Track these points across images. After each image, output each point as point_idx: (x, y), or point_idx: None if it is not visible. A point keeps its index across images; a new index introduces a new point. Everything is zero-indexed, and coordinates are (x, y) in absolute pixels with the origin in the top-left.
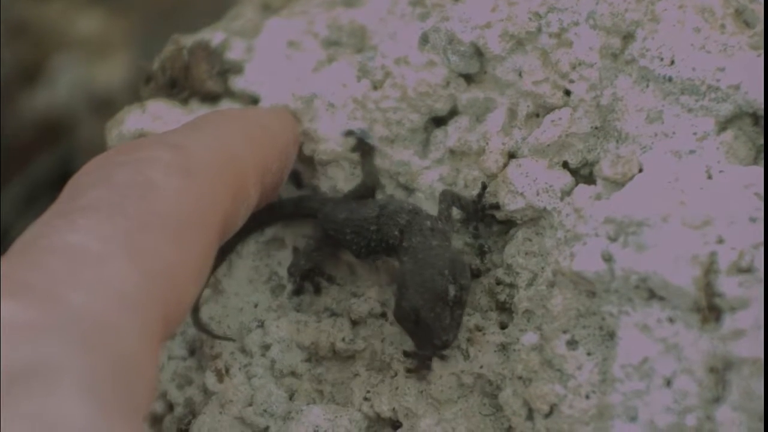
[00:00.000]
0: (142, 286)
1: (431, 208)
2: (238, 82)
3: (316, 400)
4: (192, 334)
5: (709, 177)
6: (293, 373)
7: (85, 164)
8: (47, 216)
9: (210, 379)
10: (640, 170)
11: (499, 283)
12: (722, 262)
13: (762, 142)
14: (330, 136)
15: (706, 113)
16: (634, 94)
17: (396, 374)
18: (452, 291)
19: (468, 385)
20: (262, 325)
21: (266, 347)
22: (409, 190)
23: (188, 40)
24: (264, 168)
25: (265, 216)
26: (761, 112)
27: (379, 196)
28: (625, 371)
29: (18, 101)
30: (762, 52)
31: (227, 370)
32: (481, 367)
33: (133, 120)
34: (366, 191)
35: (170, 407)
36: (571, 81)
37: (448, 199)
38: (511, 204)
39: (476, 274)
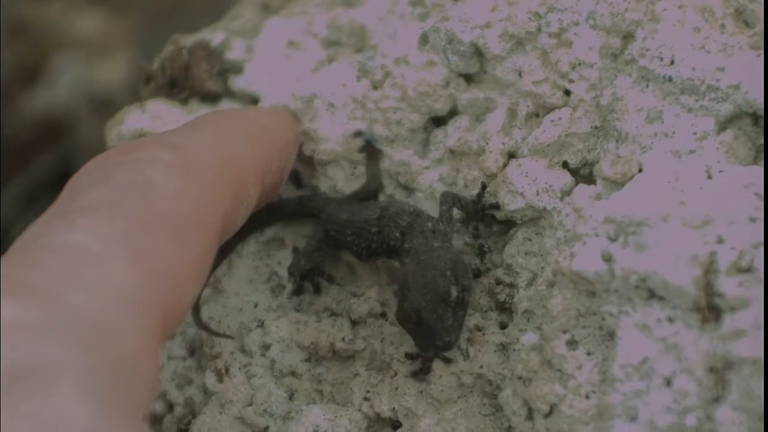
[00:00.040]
0: (142, 286)
1: (431, 208)
2: (237, 82)
3: (316, 400)
4: (192, 334)
5: (709, 177)
6: (293, 373)
7: (85, 164)
8: (47, 216)
9: (210, 379)
10: (640, 170)
11: (499, 283)
12: (722, 261)
13: (762, 141)
14: (330, 136)
15: (705, 113)
16: (633, 94)
17: (396, 374)
18: (454, 292)
19: (468, 385)
20: (261, 324)
21: (266, 347)
22: (408, 189)
23: (188, 40)
24: (264, 168)
25: (268, 215)
26: (761, 112)
27: (380, 197)
28: (624, 371)
29: (18, 101)
30: (762, 52)
31: (227, 370)
32: (481, 367)
33: (132, 120)
34: (369, 194)
35: (170, 407)
36: (571, 81)
37: (449, 200)
38: (511, 204)
39: (476, 274)
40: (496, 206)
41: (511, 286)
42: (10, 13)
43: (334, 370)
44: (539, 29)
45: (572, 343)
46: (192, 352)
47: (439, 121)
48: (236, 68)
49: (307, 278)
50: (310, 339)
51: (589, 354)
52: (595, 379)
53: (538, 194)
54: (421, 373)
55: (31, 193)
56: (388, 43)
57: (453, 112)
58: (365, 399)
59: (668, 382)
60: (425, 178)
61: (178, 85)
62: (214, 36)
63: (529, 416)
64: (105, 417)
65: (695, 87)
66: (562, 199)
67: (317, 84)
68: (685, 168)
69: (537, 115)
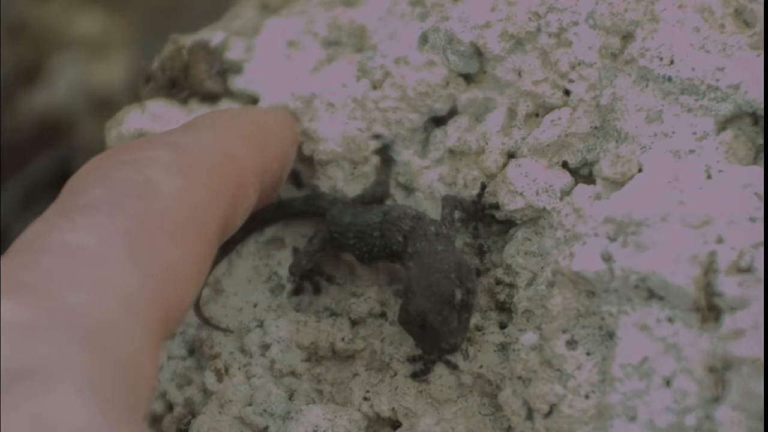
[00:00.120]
0: (142, 286)
1: (430, 208)
2: (237, 82)
3: (316, 400)
4: (192, 334)
5: (709, 177)
6: (293, 373)
7: (85, 164)
8: (47, 215)
9: (209, 379)
10: (640, 170)
11: (498, 282)
12: (722, 261)
13: (762, 141)
14: (329, 136)
15: (705, 113)
16: (633, 94)
17: (395, 374)
18: (459, 294)
19: (467, 385)
20: (261, 324)
21: (266, 347)
22: (408, 189)
23: (188, 40)
24: (263, 168)
25: (274, 213)
26: (761, 112)
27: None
28: (624, 371)
29: (17, 101)
30: (762, 51)
31: (227, 370)
32: (481, 366)
33: (132, 120)
34: (375, 198)
35: (170, 407)
36: (571, 81)
37: (451, 204)
38: (511, 204)
39: (476, 274)
40: (496, 206)
41: (511, 286)
42: (10, 12)
43: (334, 370)
44: (539, 29)
45: (572, 343)
46: (191, 352)
47: (438, 121)
48: (236, 68)
49: (307, 278)
50: (310, 339)
51: (588, 354)
52: (594, 379)
53: (537, 194)
54: (421, 375)
55: (30, 193)
56: (387, 43)
57: (453, 112)
58: (365, 399)
59: (668, 382)
60: (425, 178)
61: (178, 85)
62: (213, 36)
63: (529, 416)
64: (105, 416)
65: (695, 87)
66: (561, 199)
67: (317, 84)
68: (685, 168)
69: (537, 115)
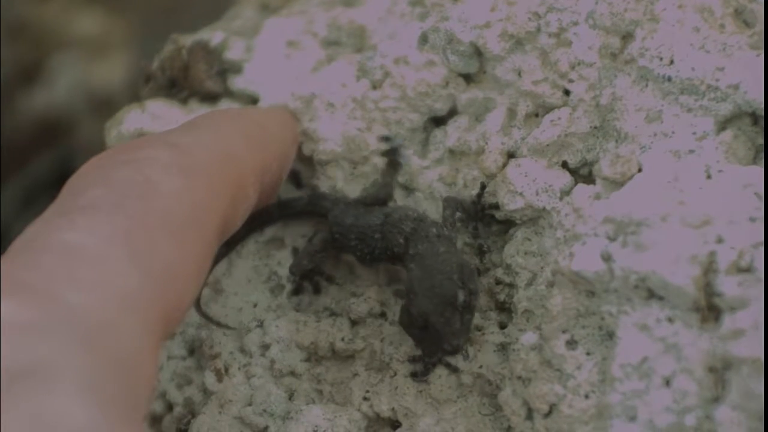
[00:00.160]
0: (142, 286)
1: (430, 208)
2: (237, 82)
3: (316, 400)
4: (191, 334)
5: (709, 177)
6: (292, 373)
7: (84, 164)
8: (47, 215)
9: (209, 379)
10: (640, 170)
11: (498, 282)
12: (722, 261)
13: (761, 141)
14: (329, 136)
15: (705, 113)
16: (633, 94)
17: (395, 374)
18: (462, 296)
19: (467, 385)
20: (261, 324)
21: (265, 347)
22: (408, 189)
23: (187, 40)
24: (263, 167)
25: (278, 211)
26: (761, 112)
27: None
28: (624, 371)
29: (17, 101)
30: (761, 51)
31: (226, 370)
32: (481, 366)
33: (132, 120)
34: (378, 200)
35: (169, 407)
36: (571, 81)
37: (453, 205)
38: (511, 204)
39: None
40: (496, 206)
41: (511, 285)
42: (9, 12)
43: (334, 369)
44: (539, 29)
45: (572, 343)
46: (191, 351)
47: (438, 121)
48: (236, 68)
49: (307, 278)
50: (310, 339)
51: (588, 354)
52: (594, 379)
53: (537, 194)
54: (421, 376)
55: (30, 193)
56: (387, 42)
57: (452, 112)
58: (365, 399)
59: (668, 382)
60: (425, 178)
61: (178, 85)
62: (213, 36)
63: (529, 416)
64: (105, 416)
65: (695, 87)
66: (561, 198)
67: (317, 84)
68: (685, 168)
69: (536, 115)
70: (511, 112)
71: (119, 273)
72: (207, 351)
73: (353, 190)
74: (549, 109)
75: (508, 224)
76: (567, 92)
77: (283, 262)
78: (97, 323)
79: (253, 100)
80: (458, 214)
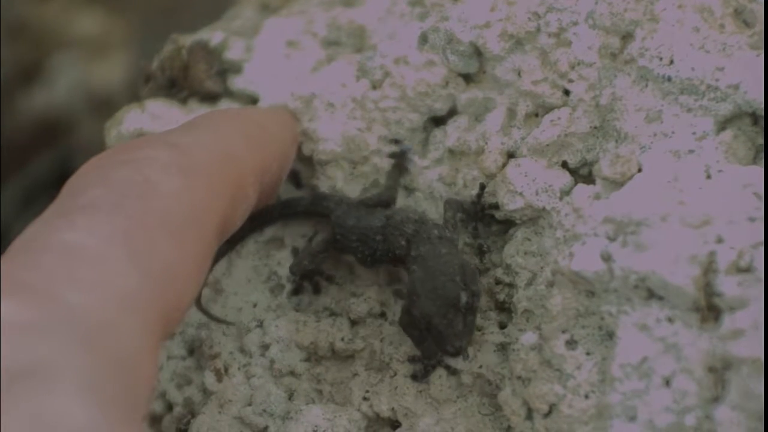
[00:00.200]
0: (141, 286)
1: (430, 207)
2: (237, 82)
3: (315, 400)
4: (191, 334)
5: (708, 177)
6: (292, 373)
7: (84, 164)
8: (47, 215)
9: (209, 379)
10: (639, 170)
11: (498, 282)
12: (721, 261)
13: (761, 141)
14: (329, 136)
15: (705, 113)
16: (633, 94)
17: (395, 374)
18: (464, 297)
19: (467, 385)
20: (261, 324)
21: (265, 347)
22: (408, 189)
23: (187, 40)
24: (263, 168)
25: (282, 210)
26: (760, 112)
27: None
28: (624, 371)
29: (17, 101)
30: (761, 51)
31: (226, 370)
32: (480, 366)
33: (132, 119)
34: (381, 202)
35: (169, 407)
36: (570, 81)
37: (454, 207)
38: (511, 204)
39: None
40: (496, 206)
41: (511, 285)
42: (9, 12)
43: (334, 369)
44: (538, 29)
45: (571, 343)
46: (191, 351)
47: (438, 121)
48: (235, 68)
49: (307, 278)
50: (310, 339)
51: (588, 354)
52: (594, 379)
53: (537, 194)
54: (420, 378)
55: (30, 193)
56: (387, 42)
57: (452, 112)
58: (364, 399)
59: (667, 382)
60: (424, 177)
61: (178, 85)
62: (213, 36)
63: (529, 416)
64: (105, 416)
65: (694, 87)
66: (561, 198)
67: (316, 84)
68: (685, 168)
69: (536, 115)
70: (511, 112)
71: (119, 273)
72: (207, 351)
73: (353, 190)
74: (549, 109)
75: (507, 224)
76: (567, 92)
77: (282, 262)
78: (97, 323)
79: (253, 100)
80: (459, 215)
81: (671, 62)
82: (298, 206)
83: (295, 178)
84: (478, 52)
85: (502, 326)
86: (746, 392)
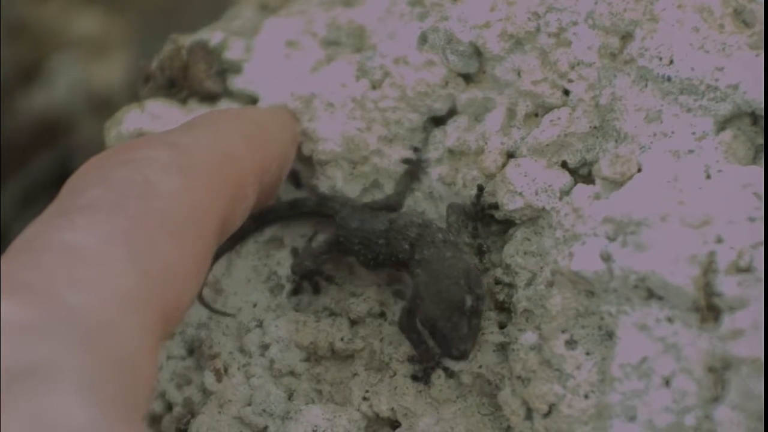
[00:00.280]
0: (141, 285)
1: (429, 208)
2: (236, 82)
3: (315, 400)
4: (191, 334)
5: (708, 177)
6: (292, 373)
7: (84, 164)
8: (46, 215)
9: (209, 379)
10: (639, 170)
11: (498, 282)
12: (721, 261)
13: (761, 141)
14: (329, 136)
15: (704, 113)
16: (632, 94)
17: (395, 374)
18: (469, 301)
19: (467, 385)
20: (260, 324)
21: (265, 347)
22: (408, 189)
23: (187, 40)
24: (262, 168)
25: (286, 210)
26: (760, 112)
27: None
28: (623, 371)
29: (17, 101)
30: (761, 51)
31: (226, 370)
32: (480, 366)
33: (131, 119)
34: (388, 207)
35: (169, 407)
36: (570, 81)
37: (457, 211)
38: (510, 204)
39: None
40: (495, 206)
41: (510, 285)
42: (9, 12)
43: (333, 369)
44: (538, 29)
45: (571, 343)
46: (191, 351)
47: (438, 121)
48: (235, 68)
49: (306, 278)
50: (309, 339)
51: (588, 354)
52: (594, 379)
53: (537, 194)
54: (420, 380)
55: (30, 193)
56: (387, 42)
57: (452, 112)
58: (364, 399)
59: (667, 382)
60: (424, 177)
61: (177, 85)
62: (213, 36)
63: (528, 416)
64: (104, 416)
65: (694, 87)
66: (561, 198)
67: (316, 84)
68: (684, 168)
69: (536, 115)
70: (511, 112)
71: (119, 273)
72: (206, 351)
73: (352, 190)
74: (548, 109)
75: (507, 224)
76: (566, 92)
77: (282, 262)
78: (97, 323)
79: (253, 100)
80: (462, 218)
81: (671, 62)
82: (304, 206)
83: (294, 178)
84: (477, 52)
85: (502, 326)
86: (746, 392)
